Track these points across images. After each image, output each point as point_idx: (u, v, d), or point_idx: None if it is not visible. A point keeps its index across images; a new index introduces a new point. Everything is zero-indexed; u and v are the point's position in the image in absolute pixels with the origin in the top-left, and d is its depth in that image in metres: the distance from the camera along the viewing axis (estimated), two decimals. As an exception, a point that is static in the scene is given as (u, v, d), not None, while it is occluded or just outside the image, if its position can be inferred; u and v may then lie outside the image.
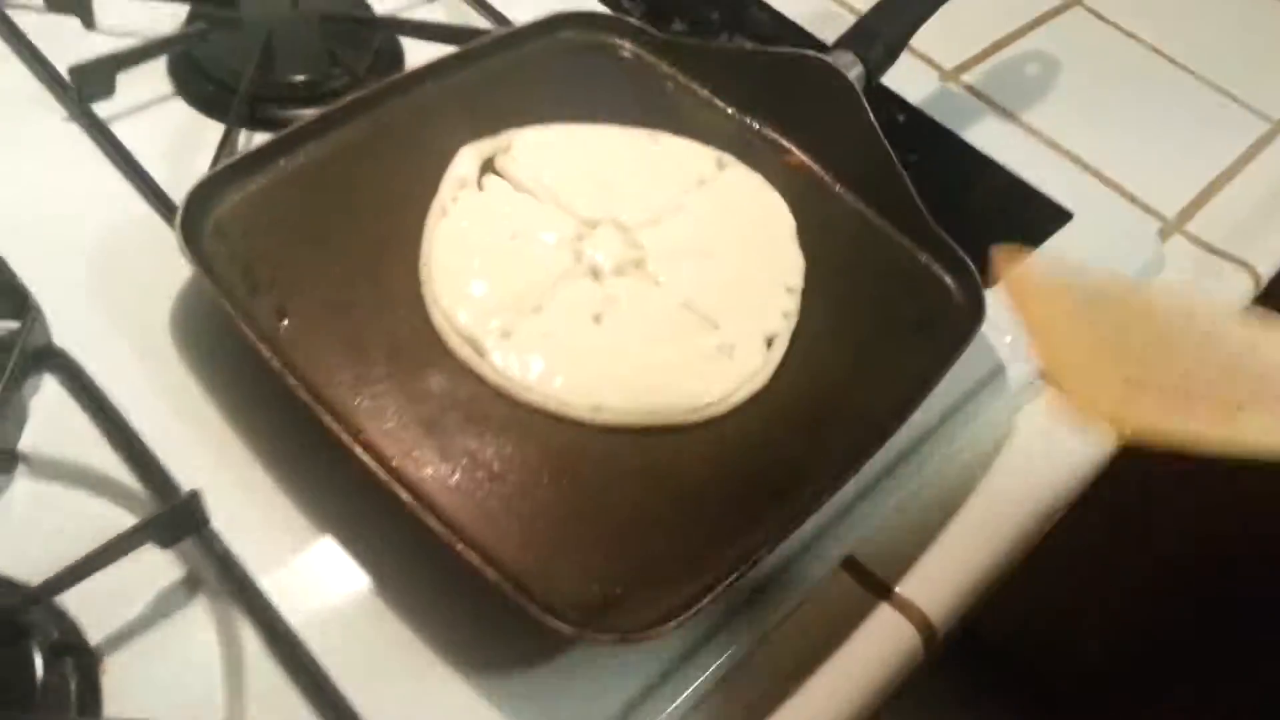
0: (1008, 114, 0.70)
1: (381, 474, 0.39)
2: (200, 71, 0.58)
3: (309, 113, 0.54)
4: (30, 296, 0.45)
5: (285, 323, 0.44)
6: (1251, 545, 0.81)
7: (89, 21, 0.58)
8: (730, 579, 0.39)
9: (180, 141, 0.55)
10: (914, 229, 0.54)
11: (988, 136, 0.66)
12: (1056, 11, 0.79)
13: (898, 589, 0.46)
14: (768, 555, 0.41)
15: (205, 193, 0.47)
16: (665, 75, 0.59)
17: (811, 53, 0.56)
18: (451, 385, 0.44)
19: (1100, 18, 0.79)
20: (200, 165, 0.52)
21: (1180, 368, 0.42)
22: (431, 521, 0.38)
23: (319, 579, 0.42)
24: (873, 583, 0.46)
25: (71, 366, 0.44)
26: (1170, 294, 0.52)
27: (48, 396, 0.43)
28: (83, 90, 0.54)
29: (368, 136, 0.52)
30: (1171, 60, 0.76)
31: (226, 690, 0.38)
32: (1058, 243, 0.59)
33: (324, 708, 0.38)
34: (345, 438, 0.40)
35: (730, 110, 0.58)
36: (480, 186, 0.51)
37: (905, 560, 0.47)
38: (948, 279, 0.53)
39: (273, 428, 0.44)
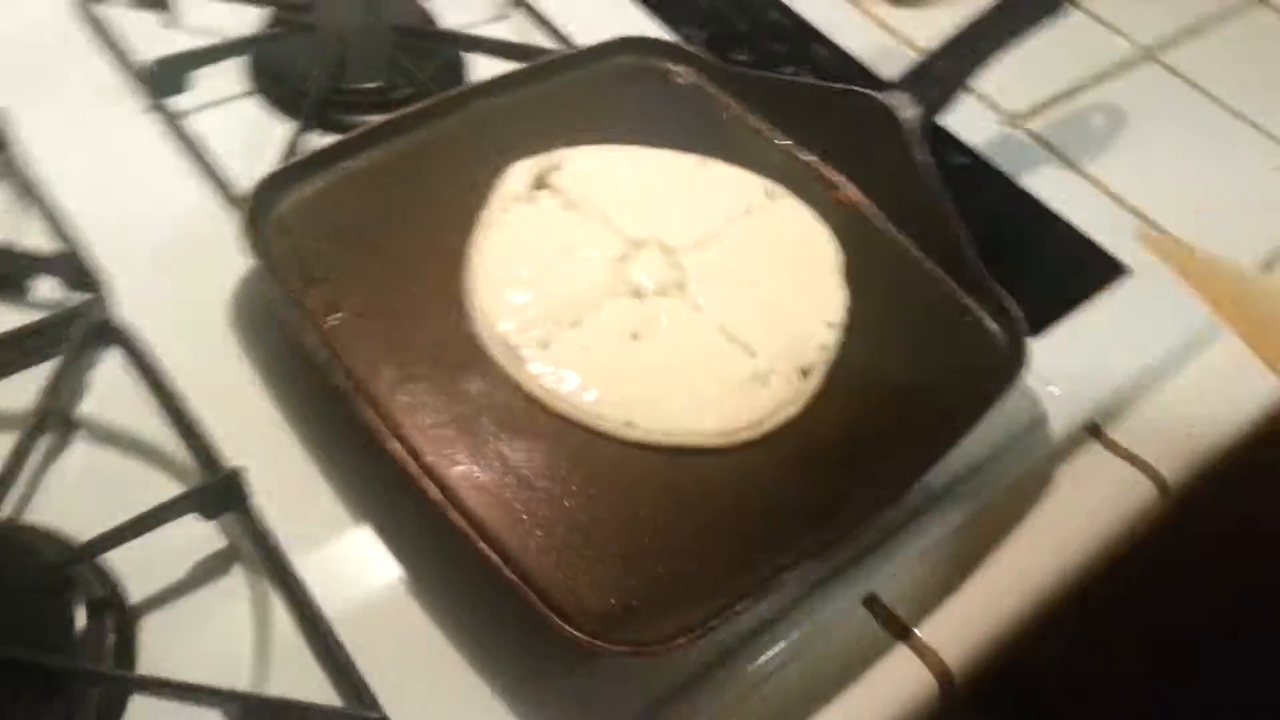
0: (1069, 164, 0.73)
1: (413, 468, 0.43)
2: (275, 72, 0.63)
3: (374, 118, 0.58)
4: (99, 275, 0.50)
5: (335, 317, 0.49)
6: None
7: (171, 18, 0.64)
8: (745, 604, 0.42)
9: (251, 138, 0.60)
10: (961, 272, 0.56)
11: (1047, 185, 0.69)
12: (1130, 64, 0.82)
13: (918, 632, 0.48)
14: (786, 584, 0.44)
15: (270, 188, 0.52)
16: (721, 103, 0.63)
17: (866, 90, 0.60)
18: (488, 390, 0.48)
19: (1175, 73, 0.82)
20: (268, 162, 0.56)
21: None
22: (455, 518, 0.42)
23: (352, 565, 0.45)
24: (893, 623, 0.49)
25: (133, 343, 0.48)
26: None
27: (109, 369, 0.48)
28: (160, 84, 0.59)
29: (427, 145, 0.56)
30: (1247, 120, 0.78)
31: (253, 660, 0.42)
32: (1109, 298, 0.62)
33: (344, 688, 0.41)
34: (382, 430, 0.44)
35: (783, 142, 0.62)
36: (532, 201, 0.55)
37: (930, 604, 0.49)
38: (992, 325, 0.55)
39: (318, 417, 0.48)
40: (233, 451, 0.46)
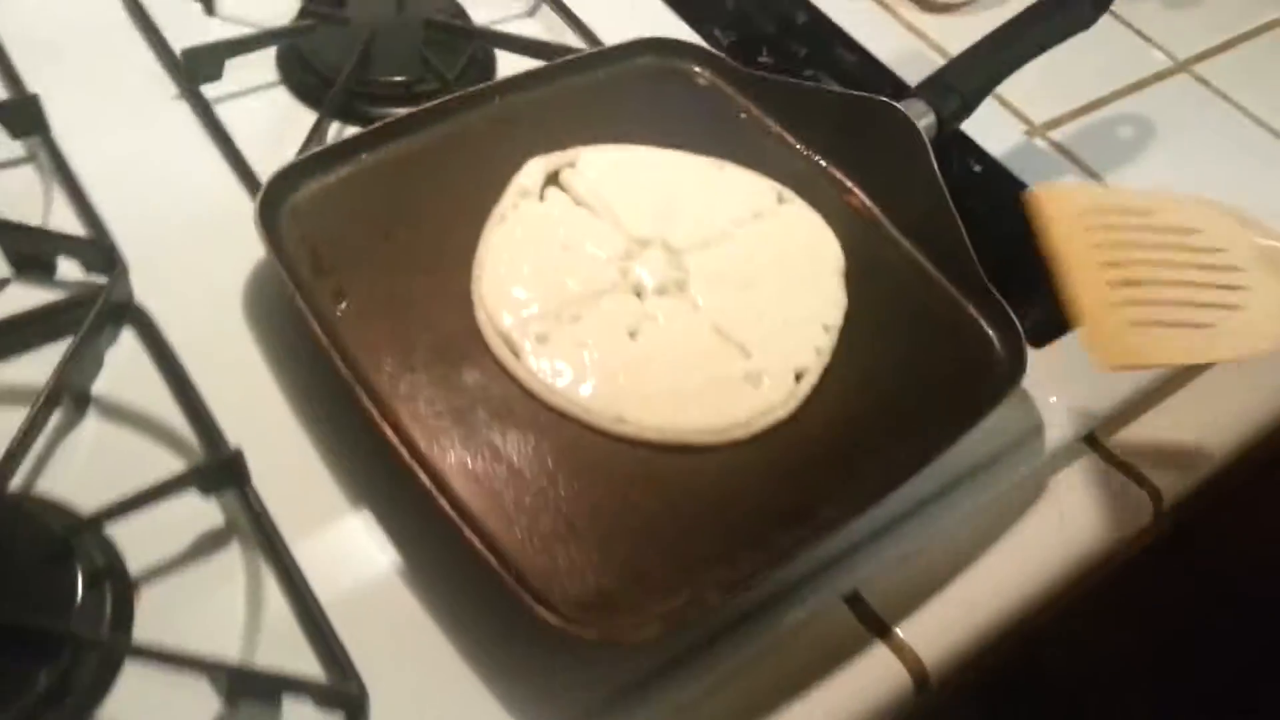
0: (1092, 175, 0.72)
1: (405, 454, 0.44)
2: (305, 64, 0.64)
3: (399, 111, 0.59)
4: (120, 255, 0.51)
5: (342, 305, 0.50)
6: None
7: (209, 8, 0.65)
8: (718, 598, 0.43)
9: (277, 127, 0.61)
10: (964, 281, 0.56)
11: (1066, 196, 0.68)
12: (1161, 76, 0.80)
13: (897, 630, 0.49)
14: (760, 582, 0.44)
15: (287, 177, 0.53)
16: (740, 106, 0.63)
17: (882, 98, 0.59)
18: (486, 381, 0.49)
19: (1207, 85, 0.80)
20: (292, 151, 0.57)
21: (1179, 291, 0.47)
22: (443, 504, 0.43)
23: (347, 548, 0.46)
24: (873, 621, 0.49)
25: (148, 323, 0.50)
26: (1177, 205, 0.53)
27: (124, 348, 0.49)
28: (193, 71, 0.60)
29: (446, 140, 0.57)
30: (1277, 134, 0.77)
31: (244, 634, 0.43)
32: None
33: (329, 664, 0.42)
34: (376, 416, 0.45)
35: (799, 146, 0.62)
36: (542, 197, 0.55)
37: (913, 605, 0.50)
38: (992, 333, 0.55)
39: (321, 404, 0.49)
40: (237, 433, 0.47)
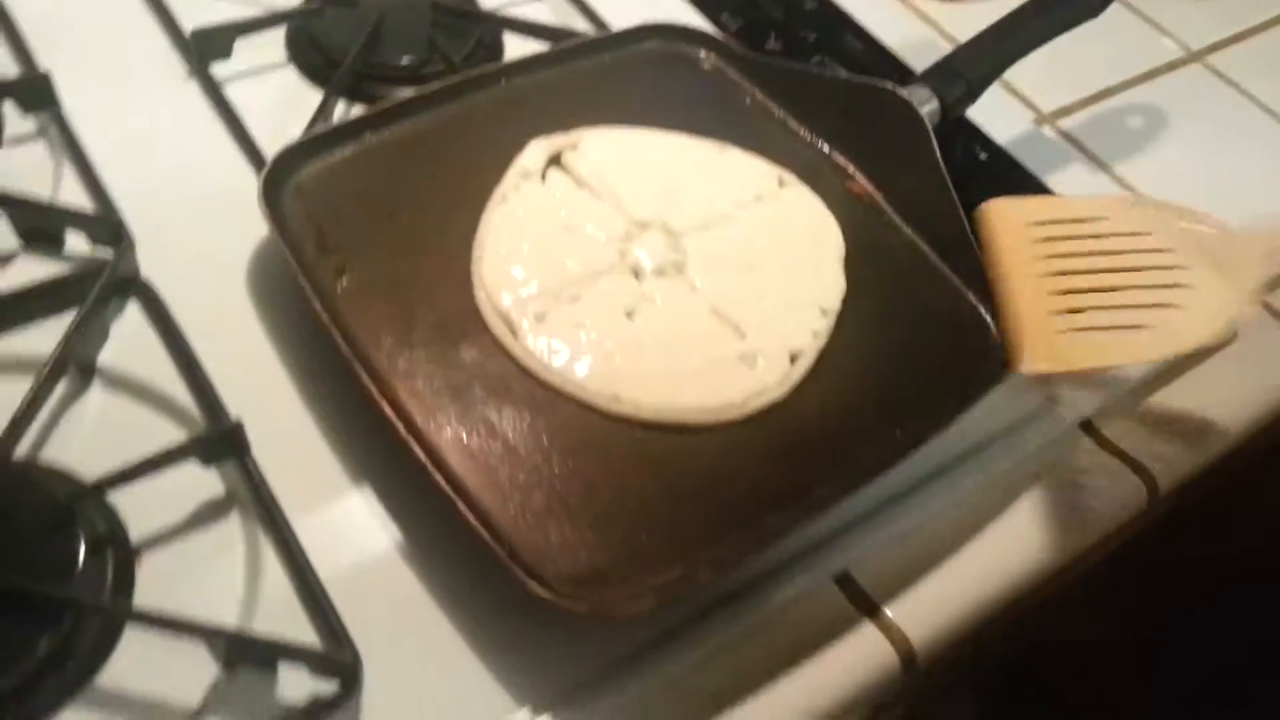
0: (1100, 164, 0.72)
1: (401, 430, 0.45)
2: (313, 44, 0.65)
3: (406, 92, 0.60)
4: (127, 229, 0.52)
5: (343, 283, 0.51)
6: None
7: (221, -13, 0.66)
8: (706, 575, 0.44)
9: (285, 106, 0.62)
10: (964, 267, 0.57)
11: (1072, 185, 0.68)
12: (1174, 66, 0.80)
13: (886, 610, 0.49)
14: (748, 560, 0.45)
15: (292, 156, 0.54)
16: (744, 91, 0.64)
17: (887, 84, 0.60)
18: (484, 359, 0.49)
19: (1220, 76, 0.80)
20: (298, 130, 0.58)
21: (1118, 296, 0.49)
22: (438, 479, 0.44)
23: (346, 522, 0.47)
24: (863, 601, 0.50)
25: (153, 297, 0.51)
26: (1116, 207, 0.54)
27: (129, 320, 0.51)
28: (202, 51, 0.61)
29: (450, 122, 0.58)
30: (1288, 125, 0.77)
31: (242, 602, 0.44)
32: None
33: (324, 632, 0.43)
34: (374, 391, 0.46)
35: (803, 132, 0.63)
36: (544, 179, 0.56)
37: (903, 585, 0.50)
38: (990, 320, 0.55)
39: (322, 380, 0.50)
40: (239, 406, 0.47)
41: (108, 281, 0.49)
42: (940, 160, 0.58)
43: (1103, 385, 0.57)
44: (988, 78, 0.63)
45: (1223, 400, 0.60)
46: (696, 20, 0.71)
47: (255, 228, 0.52)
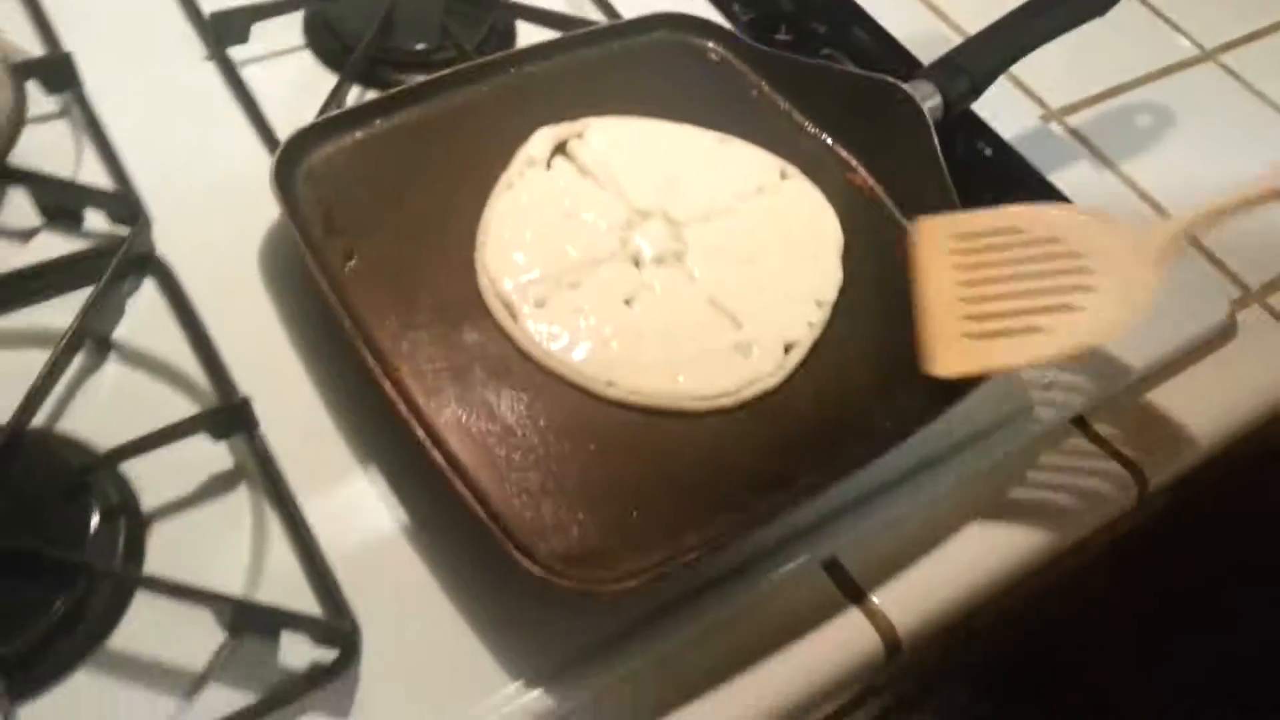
0: (1106, 162, 0.73)
1: (402, 409, 0.47)
2: (329, 29, 0.66)
3: (419, 78, 0.62)
4: (144, 208, 0.54)
5: (351, 264, 0.52)
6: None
7: (240, -29, 0.68)
8: (693, 556, 0.45)
9: (300, 90, 0.63)
10: (961, 263, 0.58)
11: (1076, 181, 0.68)
12: (1187, 64, 0.81)
13: (872, 597, 0.51)
14: (734, 543, 0.47)
15: (304, 140, 0.56)
16: (750, 83, 0.65)
17: (889, 79, 0.61)
18: (484, 342, 0.51)
19: (1233, 75, 0.81)
20: (313, 114, 0.60)
21: (1022, 301, 0.51)
22: (436, 457, 0.46)
23: (349, 498, 0.49)
24: (849, 587, 0.51)
25: (168, 274, 0.53)
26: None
27: (145, 297, 0.53)
28: (221, 33, 0.63)
29: (459, 108, 0.60)
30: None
31: (248, 571, 0.46)
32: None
33: (326, 602, 0.45)
34: (377, 371, 0.47)
35: (807, 124, 0.64)
36: (549, 167, 0.58)
37: (890, 573, 0.52)
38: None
39: (330, 359, 0.52)
40: (249, 383, 0.50)
41: (124, 259, 0.51)
42: (940, 156, 0.59)
43: (1096, 380, 0.59)
44: (992, 73, 0.64)
45: (1218, 399, 0.61)
46: (708, 10, 0.73)
47: (268, 209, 0.54)
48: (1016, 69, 0.65)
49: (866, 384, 0.53)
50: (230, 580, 0.46)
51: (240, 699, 0.42)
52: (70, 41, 0.61)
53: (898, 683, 0.61)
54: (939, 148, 0.59)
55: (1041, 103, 0.76)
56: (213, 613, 0.44)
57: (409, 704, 0.44)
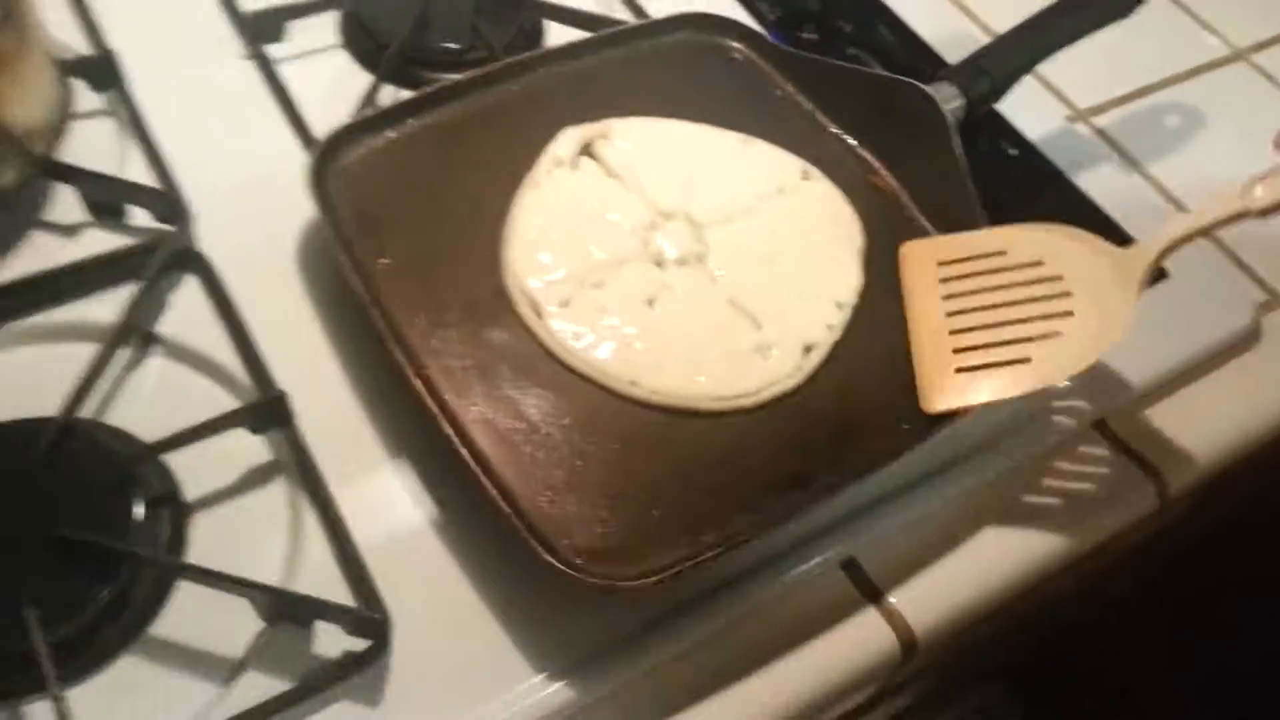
0: (1132, 163, 0.73)
1: (430, 405, 0.48)
2: (364, 28, 0.67)
3: (451, 77, 0.63)
4: (186, 205, 0.56)
5: (383, 262, 0.54)
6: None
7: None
8: (715, 553, 0.46)
9: (336, 88, 0.65)
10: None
11: (1102, 183, 0.69)
12: (1217, 64, 0.80)
13: (889, 597, 0.52)
14: (752, 542, 0.48)
15: (340, 139, 0.57)
16: (774, 83, 0.66)
17: (910, 81, 0.61)
18: (510, 340, 0.52)
19: (1265, 75, 0.80)
20: (347, 111, 0.61)
21: (1005, 331, 0.52)
22: (463, 454, 0.47)
23: (382, 492, 0.50)
24: (867, 587, 0.52)
25: (209, 271, 0.54)
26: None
27: (187, 292, 0.54)
28: (259, 33, 0.64)
29: (488, 108, 0.61)
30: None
31: (285, 561, 0.48)
32: (1148, 301, 0.62)
33: (359, 593, 0.47)
34: (406, 368, 0.49)
35: (830, 125, 0.64)
36: (575, 167, 0.59)
37: (908, 573, 0.52)
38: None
39: (363, 356, 0.53)
40: (287, 378, 0.51)
41: (168, 255, 0.53)
42: (962, 158, 0.59)
43: (1116, 385, 0.59)
44: (1015, 75, 0.64)
45: (1241, 404, 0.61)
46: (735, 9, 0.73)
47: (304, 206, 0.55)
48: (1043, 69, 0.65)
49: (886, 385, 0.54)
50: (268, 570, 0.47)
51: (276, 686, 0.44)
52: (115, 40, 0.62)
53: (916, 683, 0.62)
54: (962, 150, 0.60)
55: (1069, 103, 0.76)
56: (251, 602, 0.45)
57: (436, 694, 0.45)
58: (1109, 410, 0.59)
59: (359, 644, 0.45)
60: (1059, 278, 0.52)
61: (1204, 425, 0.60)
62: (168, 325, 0.53)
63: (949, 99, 0.61)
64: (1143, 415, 0.60)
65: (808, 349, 0.54)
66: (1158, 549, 0.63)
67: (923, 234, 0.60)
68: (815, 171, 0.61)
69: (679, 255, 0.56)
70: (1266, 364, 0.63)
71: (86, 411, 0.49)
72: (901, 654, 0.51)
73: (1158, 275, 0.63)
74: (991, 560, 0.54)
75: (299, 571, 0.47)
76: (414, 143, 0.59)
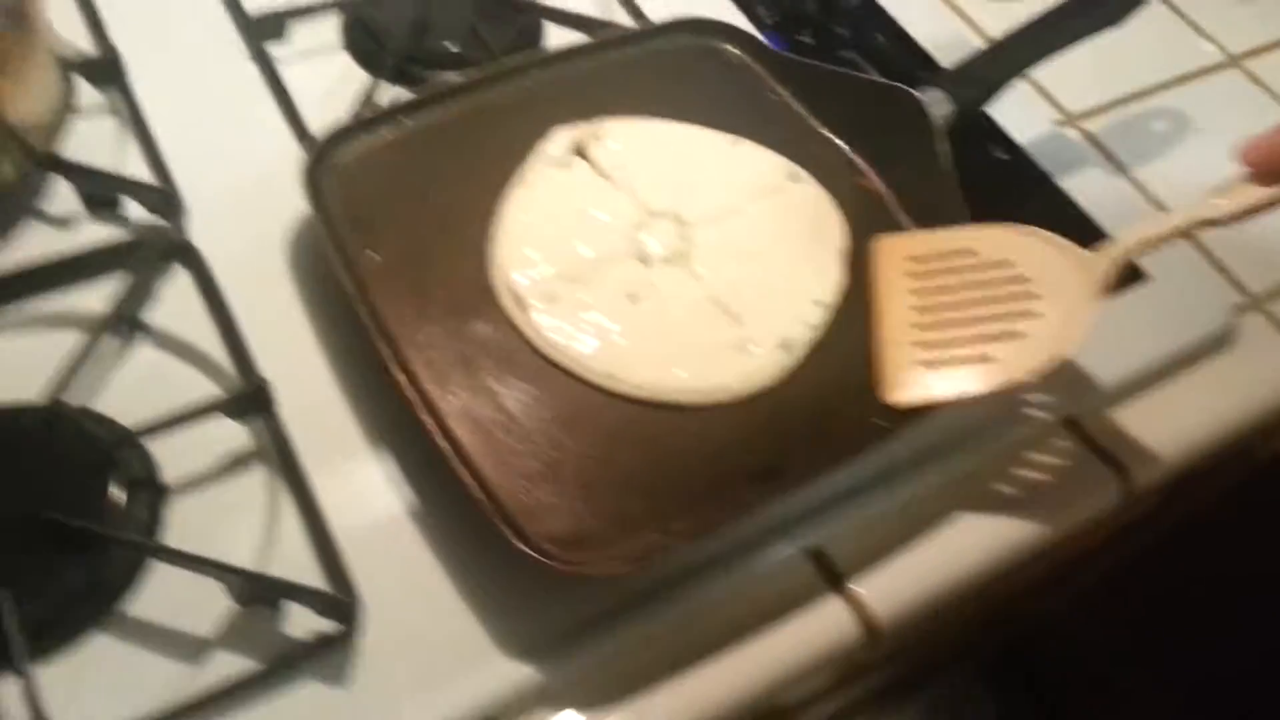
0: (1120, 168, 0.71)
1: (411, 394, 0.48)
2: (366, 29, 0.67)
3: (450, 78, 0.63)
4: (180, 201, 0.56)
5: (372, 258, 0.53)
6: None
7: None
8: (684, 541, 0.46)
9: (336, 88, 0.64)
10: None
11: (1089, 188, 0.67)
12: (1209, 70, 0.79)
13: (854, 586, 0.51)
14: (721, 532, 0.47)
15: (337, 138, 0.57)
16: (768, 87, 0.65)
17: (901, 86, 0.60)
18: (494, 334, 0.52)
19: (1256, 82, 0.78)
20: (346, 112, 0.61)
21: (972, 329, 0.51)
22: (441, 443, 0.47)
23: (361, 482, 0.50)
24: (832, 576, 0.51)
25: (200, 263, 0.54)
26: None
27: (176, 283, 0.54)
28: (262, 32, 0.64)
29: (484, 109, 0.60)
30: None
31: (260, 546, 0.47)
32: (1119, 302, 0.61)
33: (333, 578, 0.46)
34: (390, 359, 0.48)
35: (821, 128, 0.63)
36: (566, 166, 0.58)
37: (873, 563, 0.52)
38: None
39: (349, 349, 0.52)
40: (272, 369, 0.50)
41: (159, 248, 0.53)
42: (950, 164, 0.58)
43: (1087, 383, 0.58)
44: (1006, 80, 0.63)
45: (1212, 407, 0.60)
46: (732, 12, 0.72)
47: (298, 202, 0.55)
48: (1036, 72, 0.64)
49: (861, 384, 0.53)
50: (242, 554, 0.47)
51: (245, 666, 0.43)
52: (118, 37, 0.62)
53: (886, 668, 0.60)
54: (949, 155, 0.59)
55: (1060, 107, 0.74)
56: (223, 584, 0.45)
57: (405, 676, 0.45)
58: (1081, 409, 0.58)
59: (329, 626, 0.44)
60: (1026, 279, 0.51)
61: (1174, 425, 0.59)
62: (157, 315, 0.53)
63: (939, 104, 0.60)
64: (1115, 413, 0.59)
65: (786, 346, 0.53)
66: (1127, 544, 0.62)
67: (907, 235, 0.59)
68: (803, 173, 0.60)
69: (664, 254, 0.55)
70: (1239, 366, 0.62)
71: (72, 397, 0.49)
72: (864, 641, 0.50)
73: (1136, 276, 0.63)
74: (956, 550, 0.53)
75: (273, 556, 0.47)
76: (409, 143, 0.58)
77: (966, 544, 0.53)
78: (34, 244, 0.54)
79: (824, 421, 0.51)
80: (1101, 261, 0.51)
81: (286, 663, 0.44)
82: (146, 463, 0.48)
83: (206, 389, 0.51)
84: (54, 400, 0.48)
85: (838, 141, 0.63)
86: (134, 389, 0.50)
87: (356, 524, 0.48)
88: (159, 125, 0.59)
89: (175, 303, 0.53)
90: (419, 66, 0.66)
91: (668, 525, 0.47)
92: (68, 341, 0.50)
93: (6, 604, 0.42)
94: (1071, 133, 0.73)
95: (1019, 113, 0.69)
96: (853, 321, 0.55)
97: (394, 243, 0.54)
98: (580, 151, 0.59)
